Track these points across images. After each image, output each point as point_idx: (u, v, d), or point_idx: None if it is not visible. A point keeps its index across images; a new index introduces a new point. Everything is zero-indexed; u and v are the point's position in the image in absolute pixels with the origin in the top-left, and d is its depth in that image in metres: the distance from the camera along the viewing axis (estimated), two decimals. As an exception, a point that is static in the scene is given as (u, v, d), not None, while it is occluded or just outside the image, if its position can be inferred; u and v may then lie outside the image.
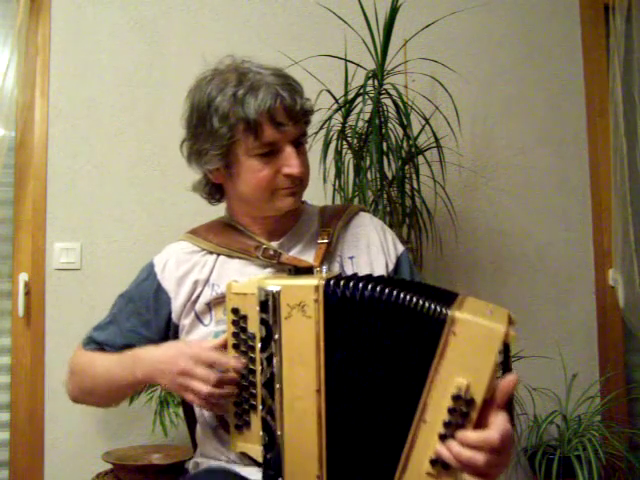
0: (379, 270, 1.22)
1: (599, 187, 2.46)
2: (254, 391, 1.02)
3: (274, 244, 1.21)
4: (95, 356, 1.21)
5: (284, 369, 0.98)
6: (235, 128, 1.13)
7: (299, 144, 1.18)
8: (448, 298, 0.93)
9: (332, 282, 0.96)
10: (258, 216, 1.23)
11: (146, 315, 1.21)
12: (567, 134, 2.48)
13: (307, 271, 1.13)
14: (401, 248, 1.29)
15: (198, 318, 1.19)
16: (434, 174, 2.02)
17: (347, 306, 0.96)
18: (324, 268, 1.11)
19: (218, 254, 1.22)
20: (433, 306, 0.90)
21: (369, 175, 1.95)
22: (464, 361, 0.88)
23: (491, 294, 2.36)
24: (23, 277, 2.18)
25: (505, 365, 0.89)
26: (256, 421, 1.02)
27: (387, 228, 1.32)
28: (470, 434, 0.87)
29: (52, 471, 2.14)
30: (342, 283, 0.96)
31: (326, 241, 1.20)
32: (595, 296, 2.44)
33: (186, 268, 1.21)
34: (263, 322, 0.99)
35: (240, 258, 1.20)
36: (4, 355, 2.21)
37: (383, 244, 1.26)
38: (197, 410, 1.23)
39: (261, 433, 1.00)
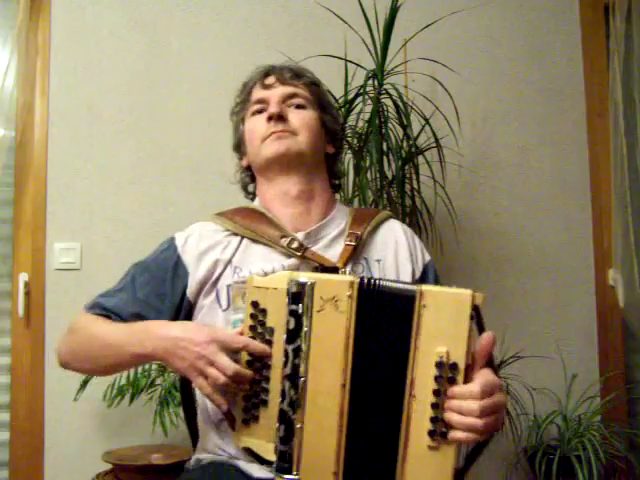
0: (405, 276, 1.23)
1: (599, 187, 2.46)
2: (266, 386, 1.02)
3: (300, 235, 1.22)
4: (100, 321, 1.17)
5: (310, 362, 0.98)
6: (242, 101, 1.34)
7: (298, 106, 1.28)
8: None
9: (366, 280, 0.99)
10: (278, 193, 1.27)
11: (162, 287, 1.20)
12: (567, 134, 2.48)
13: (332, 270, 1.14)
14: (428, 257, 1.31)
15: (218, 298, 1.18)
16: (434, 174, 2.01)
17: (375, 303, 0.98)
18: (348, 269, 1.13)
19: (242, 236, 1.22)
20: (403, 286, 0.99)
21: (369, 175, 1.95)
22: (440, 330, 0.94)
23: (491, 294, 2.36)
24: (23, 277, 2.18)
25: (480, 327, 0.97)
26: (265, 416, 1.02)
27: (416, 236, 1.33)
28: (453, 388, 0.94)
29: (52, 471, 2.14)
30: (374, 282, 0.99)
31: (353, 244, 1.21)
32: (595, 296, 2.44)
33: (208, 244, 1.21)
34: (293, 314, 0.99)
35: (265, 244, 1.21)
36: (4, 355, 2.21)
37: (412, 251, 1.27)
38: (200, 403, 1.22)
39: (277, 425, 1.00)
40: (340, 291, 0.98)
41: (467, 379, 0.95)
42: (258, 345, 1.01)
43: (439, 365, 0.93)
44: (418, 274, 1.25)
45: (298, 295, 0.99)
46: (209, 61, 2.32)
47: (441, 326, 0.94)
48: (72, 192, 2.23)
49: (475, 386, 0.93)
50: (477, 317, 0.95)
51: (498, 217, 2.42)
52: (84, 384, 1.98)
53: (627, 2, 2.41)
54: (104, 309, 1.19)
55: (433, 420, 0.94)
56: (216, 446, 1.16)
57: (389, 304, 0.98)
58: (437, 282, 1.28)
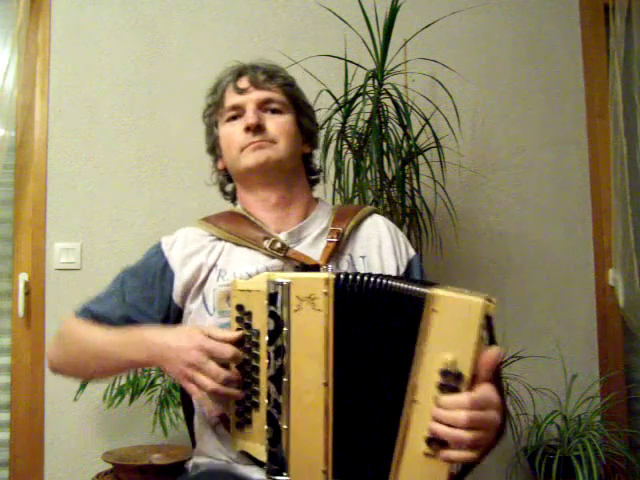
0: (389, 271, 1.23)
1: (599, 187, 2.46)
2: (256, 388, 1.01)
3: (283, 235, 1.22)
4: (92, 328, 1.17)
5: (292, 362, 0.98)
6: (214, 103, 1.32)
7: (274, 111, 1.26)
8: (429, 284, 0.96)
9: (342, 276, 0.98)
10: (258, 200, 1.27)
11: (150, 291, 1.20)
12: (567, 134, 2.48)
13: (313, 269, 1.14)
14: (412, 252, 1.30)
15: (205, 303, 1.18)
16: (434, 174, 2.01)
17: (355, 300, 0.97)
18: (329, 267, 1.12)
19: (226, 241, 1.23)
20: (413, 287, 0.93)
21: (369, 175, 1.95)
22: (448, 337, 0.89)
23: (491, 294, 2.36)
24: (23, 277, 2.18)
25: (490, 338, 0.91)
26: (258, 419, 1.02)
27: (400, 232, 1.33)
28: (443, 397, 0.89)
29: (52, 471, 2.14)
30: (351, 278, 0.98)
31: (335, 240, 1.21)
32: (595, 296, 2.44)
33: (193, 248, 1.22)
34: (272, 315, 0.99)
35: (248, 247, 1.21)
36: (4, 355, 2.21)
37: (395, 246, 1.27)
38: (197, 407, 1.22)
39: (266, 427, 0.99)
40: (316, 289, 0.97)
41: (471, 391, 0.90)
42: (245, 357, 1.01)
43: (443, 373, 0.89)
44: (402, 269, 1.25)
45: (275, 296, 0.98)
46: (209, 61, 2.32)
47: (449, 333, 0.89)
48: (72, 192, 2.23)
49: (464, 397, 0.87)
50: (488, 327, 0.90)
51: (498, 217, 2.42)
52: (84, 384, 1.98)
53: (627, 2, 2.41)
54: (94, 315, 1.20)
55: None
56: (216, 448, 1.16)
57: (372, 300, 0.96)
58: (423, 277, 1.28)
